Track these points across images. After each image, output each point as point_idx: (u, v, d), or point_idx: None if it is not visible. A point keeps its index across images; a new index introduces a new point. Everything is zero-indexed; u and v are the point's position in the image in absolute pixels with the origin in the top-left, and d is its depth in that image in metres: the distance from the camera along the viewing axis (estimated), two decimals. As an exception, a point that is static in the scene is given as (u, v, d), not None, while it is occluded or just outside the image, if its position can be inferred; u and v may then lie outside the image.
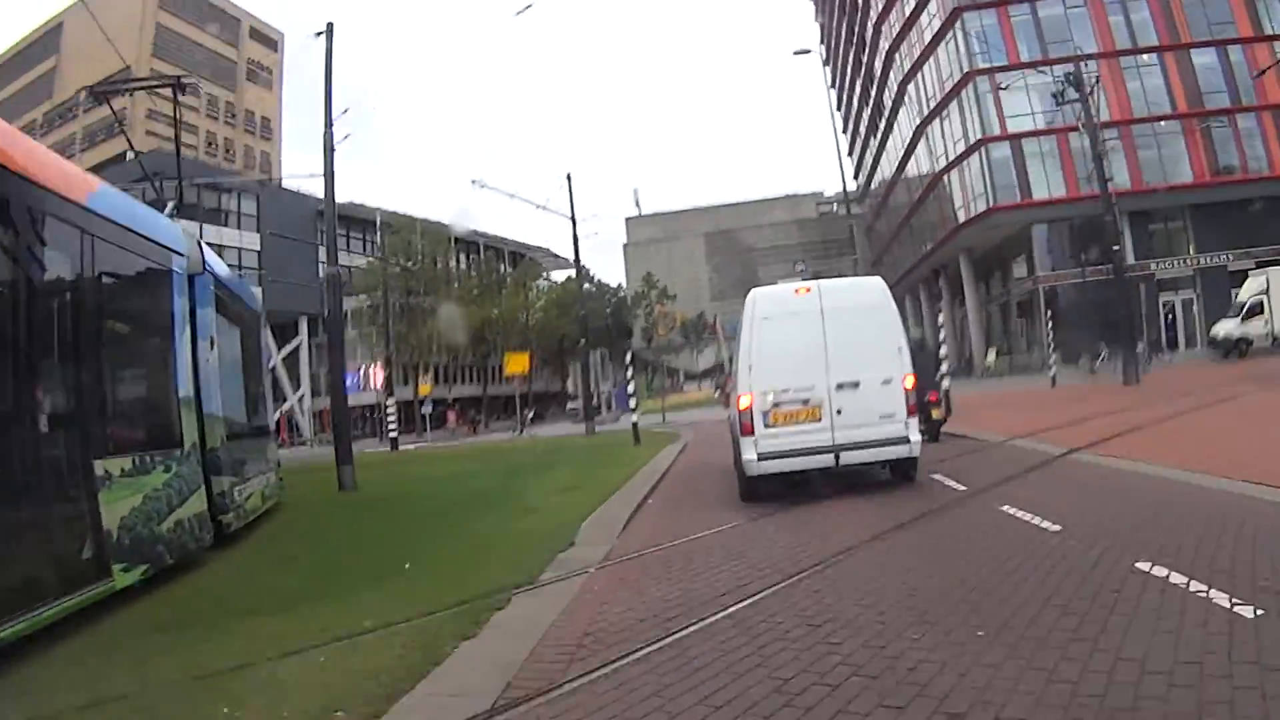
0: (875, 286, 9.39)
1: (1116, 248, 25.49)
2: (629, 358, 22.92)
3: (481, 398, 65.33)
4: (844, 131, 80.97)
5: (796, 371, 8.66)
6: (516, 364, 39.80)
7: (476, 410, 63.64)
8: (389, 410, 31.36)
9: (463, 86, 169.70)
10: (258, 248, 58.11)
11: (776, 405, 8.65)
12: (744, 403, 8.73)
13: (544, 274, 76.00)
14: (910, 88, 46.74)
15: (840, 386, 8.59)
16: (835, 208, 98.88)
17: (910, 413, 8.73)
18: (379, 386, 51.73)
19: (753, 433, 8.65)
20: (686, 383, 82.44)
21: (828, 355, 8.58)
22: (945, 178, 42.82)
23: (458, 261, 68.02)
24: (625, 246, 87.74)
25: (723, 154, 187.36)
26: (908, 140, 49.76)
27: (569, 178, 27.94)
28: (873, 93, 58.02)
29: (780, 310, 8.92)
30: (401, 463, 22.38)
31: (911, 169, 51.22)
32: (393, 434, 29.64)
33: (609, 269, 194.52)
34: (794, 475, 8.94)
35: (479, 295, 61.49)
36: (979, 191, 39.14)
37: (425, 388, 47.68)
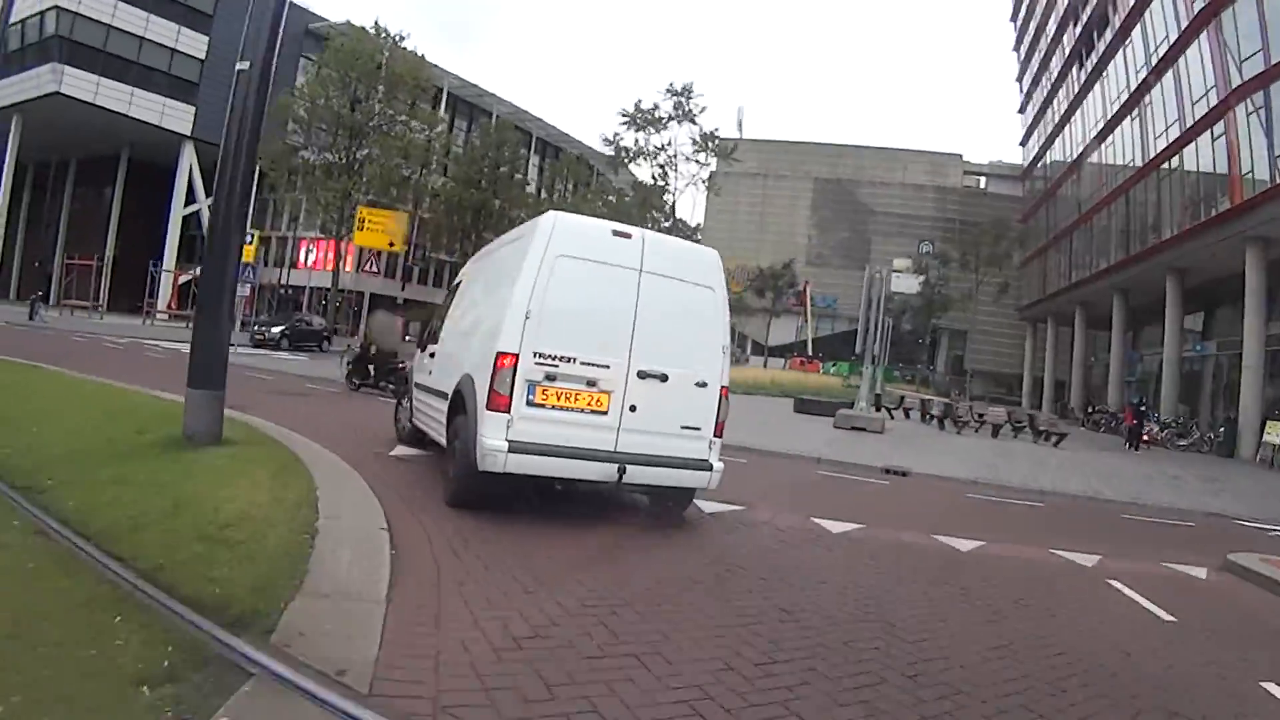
0: (710, 260, 6.86)
1: None
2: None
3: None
4: (1018, 78, 61.39)
5: (590, 338, 6.13)
6: (374, 232, 20.60)
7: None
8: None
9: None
10: (201, 54, 42.64)
11: (551, 377, 5.99)
12: (505, 361, 5.88)
13: (601, 192, 57.96)
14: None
15: (643, 376, 6.20)
16: (984, 182, 77.98)
17: (718, 431, 6.54)
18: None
19: (507, 409, 5.87)
20: (754, 356, 65.12)
21: (635, 329, 6.21)
22: (1259, 95, 23.41)
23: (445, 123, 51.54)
24: (712, 174, 67.50)
25: (854, 83, 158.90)
26: (1159, 54, 30.34)
27: None
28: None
29: (586, 251, 6.24)
30: None
31: (1147, 114, 31.84)
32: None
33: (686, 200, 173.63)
34: (554, 484, 6.44)
35: (473, 173, 45.13)
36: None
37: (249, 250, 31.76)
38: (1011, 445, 20.37)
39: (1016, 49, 62.36)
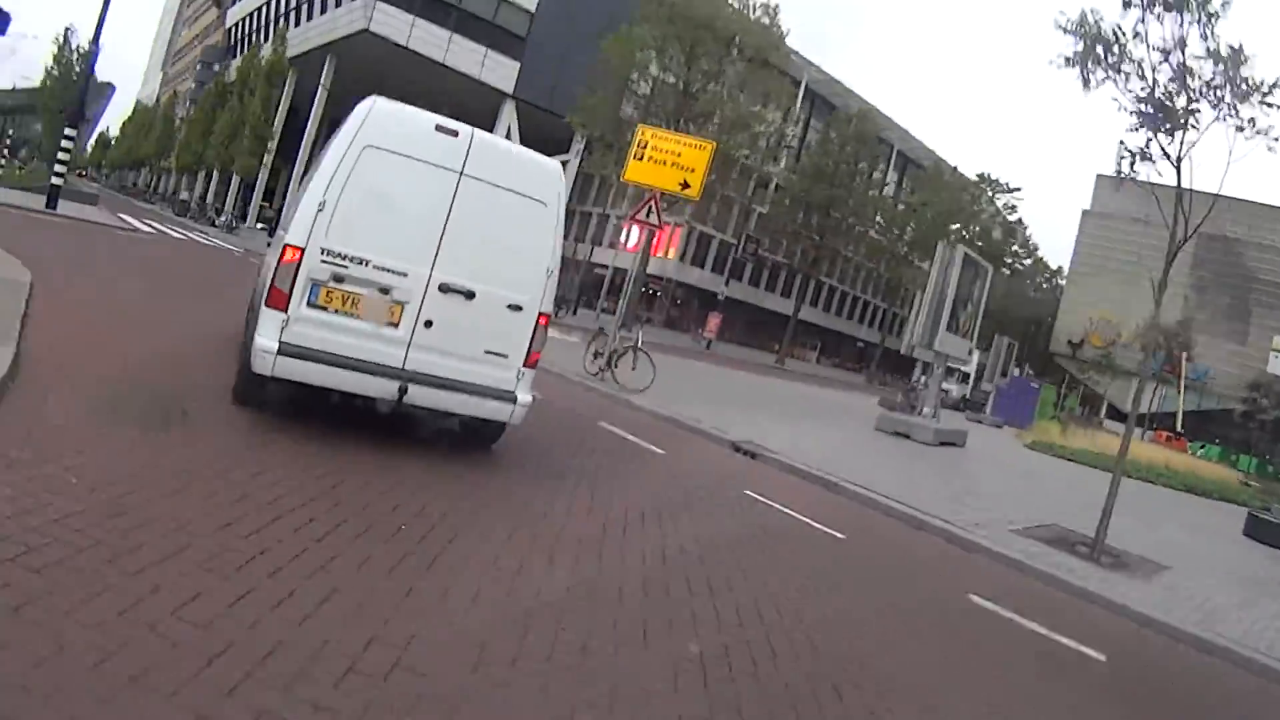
0: (550, 171, 6.18)
1: None
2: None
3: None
4: None
5: (389, 241, 5.52)
6: (658, 166, 16.38)
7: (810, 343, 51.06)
8: None
9: None
10: (531, 7, 40.16)
11: (338, 279, 5.42)
12: (289, 255, 5.35)
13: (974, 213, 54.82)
14: None
15: (445, 290, 5.64)
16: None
17: (530, 362, 5.99)
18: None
19: (284, 306, 5.33)
20: (1108, 420, 63.31)
21: (444, 237, 5.62)
22: None
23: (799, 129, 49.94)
24: (1085, 214, 61.11)
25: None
26: None
27: None
28: None
29: (401, 145, 5.57)
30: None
31: None
32: None
33: (1054, 237, 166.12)
34: (330, 395, 5.56)
35: (824, 165, 43.92)
36: None
37: None
38: None
39: None
